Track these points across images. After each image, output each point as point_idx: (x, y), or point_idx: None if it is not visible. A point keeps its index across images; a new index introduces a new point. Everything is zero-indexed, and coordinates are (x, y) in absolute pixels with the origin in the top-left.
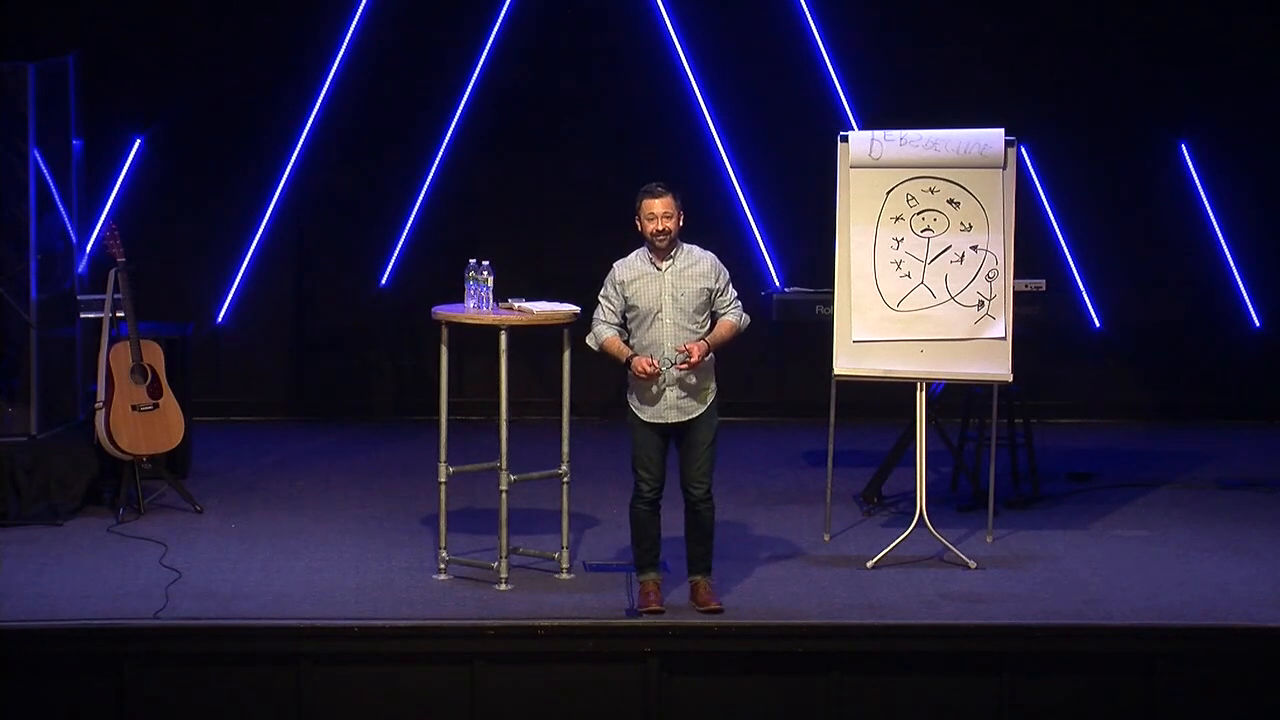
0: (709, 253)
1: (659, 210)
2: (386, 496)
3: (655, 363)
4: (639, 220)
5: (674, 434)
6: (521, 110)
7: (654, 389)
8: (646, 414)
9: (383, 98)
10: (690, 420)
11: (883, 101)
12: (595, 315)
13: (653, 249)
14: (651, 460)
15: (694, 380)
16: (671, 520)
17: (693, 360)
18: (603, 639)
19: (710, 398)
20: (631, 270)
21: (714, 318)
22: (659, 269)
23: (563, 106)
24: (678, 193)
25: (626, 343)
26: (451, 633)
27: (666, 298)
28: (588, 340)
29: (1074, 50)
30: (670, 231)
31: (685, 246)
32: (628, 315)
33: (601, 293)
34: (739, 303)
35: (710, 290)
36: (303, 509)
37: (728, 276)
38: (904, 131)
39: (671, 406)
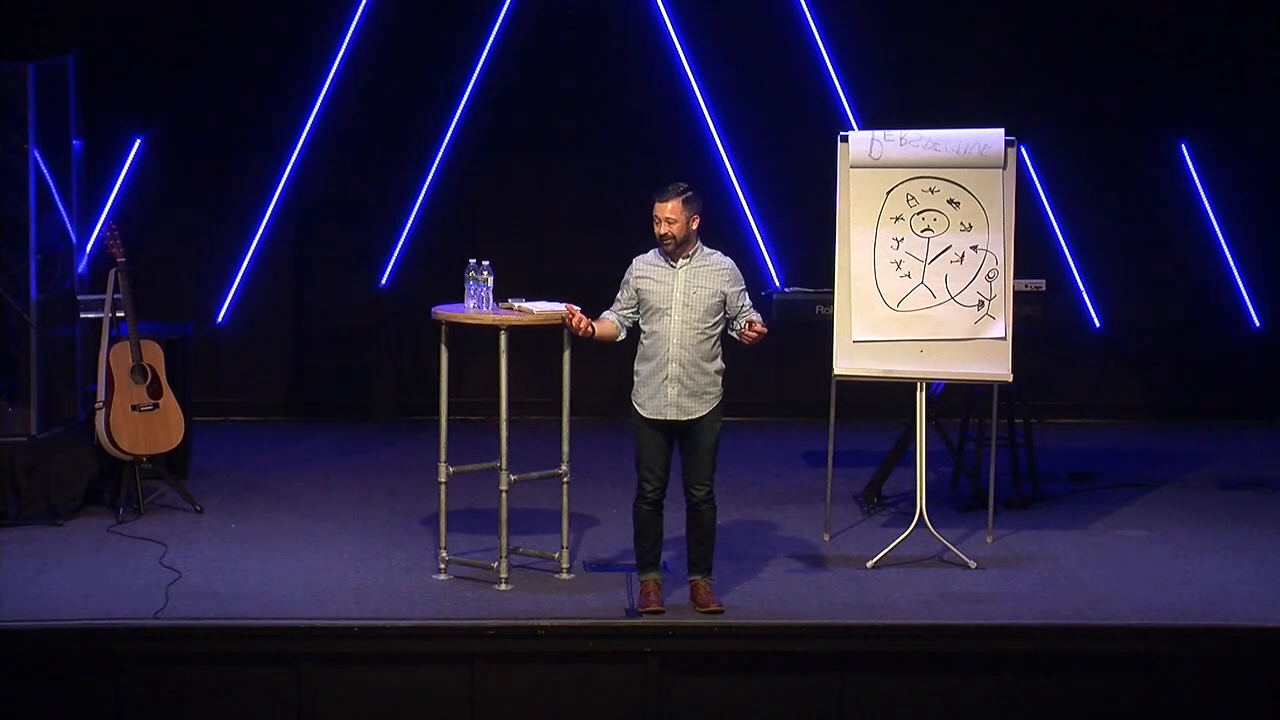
0: (729, 260)
1: (661, 214)
2: (386, 496)
3: (584, 322)
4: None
5: (676, 434)
6: (521, 110)
7: (658, 376)
8: (648, 410)
9: (383, 98)
10: (691, 421)
11: (883, 101)
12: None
13: (661, 249)
14: (655, 461)
15: (697, 380)
16: (673, 520)
17: (757, 329)
18: (603, 639)
19: (714, 403)
20: (649, 266)
21: (729, 324)
22: (673, 267)
23: (563, 106)
24: (694, 197)
25: (640, 335)
26: (451, 633)
27: (677, 295)
28: None
29: (1074, 50)
30: (672, 236)
31: (705, 250)
32: (640, 309)
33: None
34: (753, 309)
35: (724, 294)
36: (303, 509)
37: (744, 286)
38: (904, 131)
39: (672, 404)
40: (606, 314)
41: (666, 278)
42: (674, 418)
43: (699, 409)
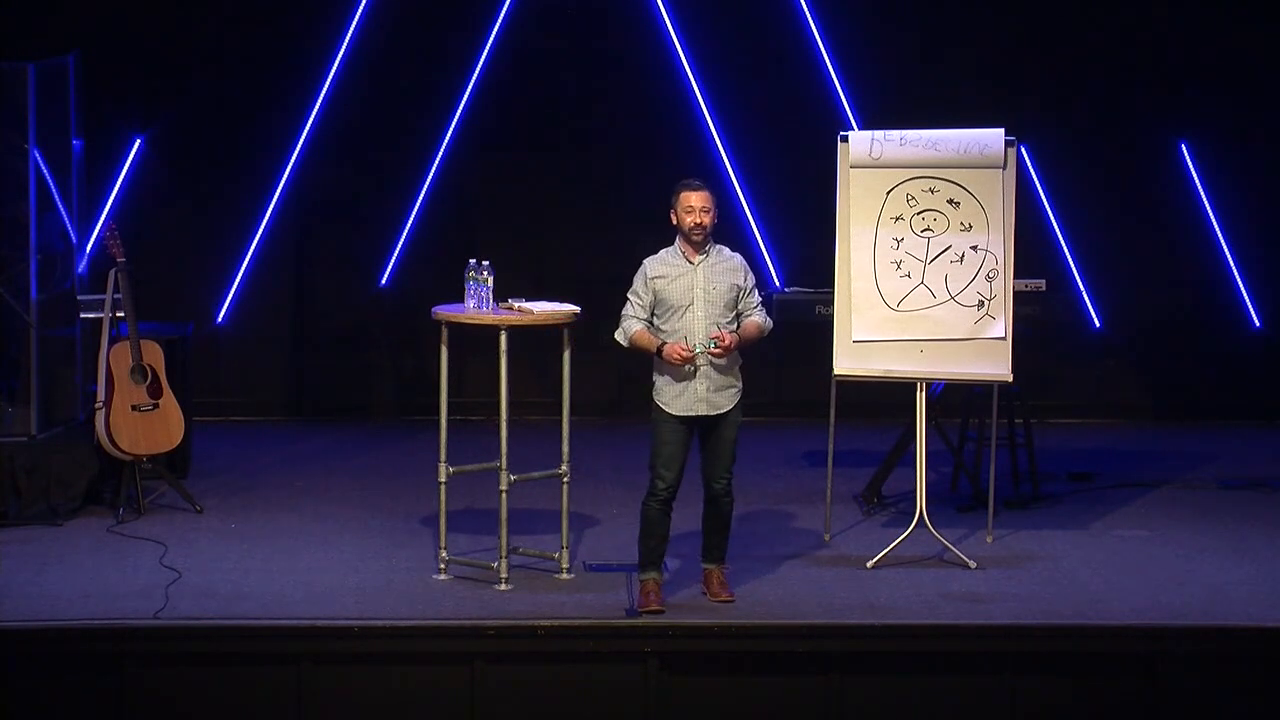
0: (738, 254)
1: (697, 204)
2: (386, 496)
3: (689, 347)
4: (675, 213)
5: (700, 430)
6: (521, 111)
7: (688, 368)
8: (676, 407)
9: (383, 98)
10: (718, 416)
11: (883, 101)
12: (624, 311)
13: (688, 242)
14: (673, 459)
15: (724, 375)
16: (677, 520)
17: (725, 344)
18: (603, 639)
19: (737, 396)
20: (664, 265)
21: (739, 319)
22: (692, 264)
23: (563, 107)
24: (712, 190)
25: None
26: (451, 633)
27: (699, 291)
28: (616, 336)
29: (1074, 50)
30: (706, 225)
31: (717, 245)
32: (657, 310)
33: (630, 289)
34: (763, 308)
35: (739, 288)
36: (303, 509)
37: (754, 279)
38: (904, 131)
39: (701, 399)
40: (637, 326)
41: (686, 275)
42: (704, 413)
43: (725, 404)
